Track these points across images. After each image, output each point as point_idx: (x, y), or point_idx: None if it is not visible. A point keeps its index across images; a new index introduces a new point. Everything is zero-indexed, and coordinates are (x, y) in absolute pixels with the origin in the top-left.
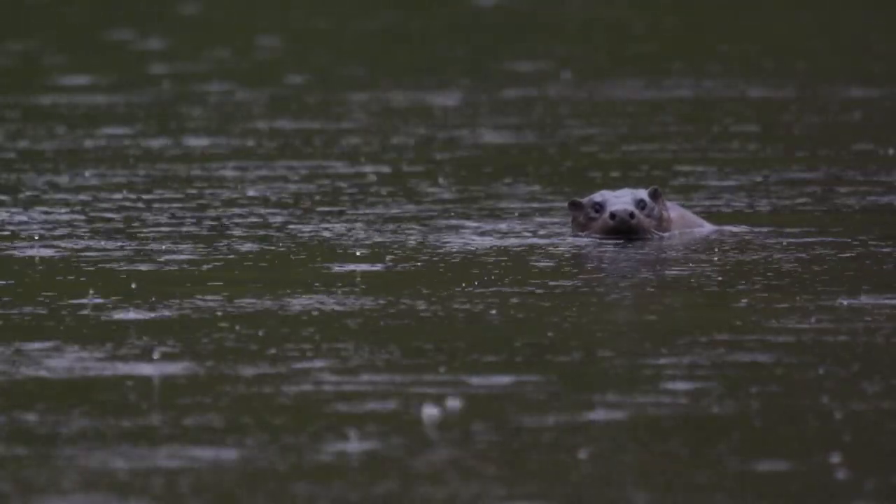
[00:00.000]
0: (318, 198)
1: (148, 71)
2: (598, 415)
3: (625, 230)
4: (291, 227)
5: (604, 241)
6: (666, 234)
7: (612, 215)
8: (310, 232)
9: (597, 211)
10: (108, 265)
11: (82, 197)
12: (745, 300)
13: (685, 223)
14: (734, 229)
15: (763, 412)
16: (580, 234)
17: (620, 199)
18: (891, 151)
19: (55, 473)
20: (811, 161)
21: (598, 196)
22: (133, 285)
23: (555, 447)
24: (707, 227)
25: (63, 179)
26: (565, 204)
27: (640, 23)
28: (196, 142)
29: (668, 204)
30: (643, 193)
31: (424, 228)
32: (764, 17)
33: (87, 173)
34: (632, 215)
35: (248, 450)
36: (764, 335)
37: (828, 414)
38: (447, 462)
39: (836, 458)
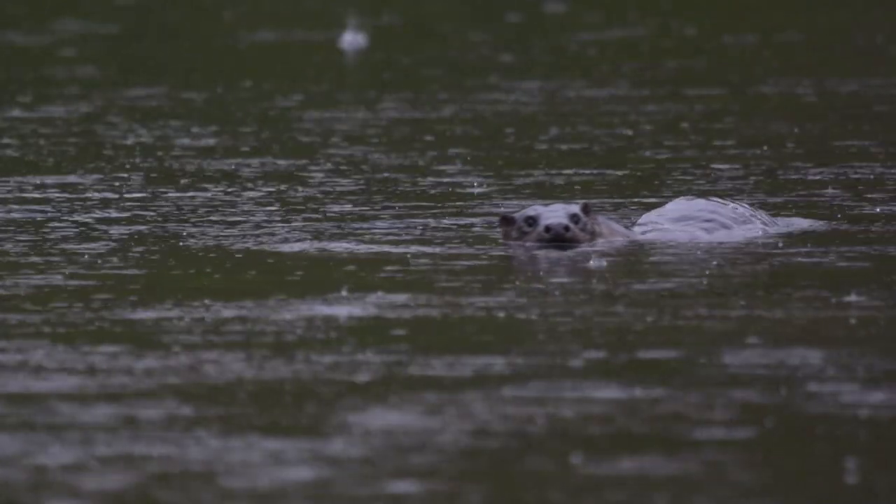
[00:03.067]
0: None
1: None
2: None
3: (559, 243)
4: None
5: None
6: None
7: (547, 228)
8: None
9: (530, 225)
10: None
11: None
12: (742, 302)
13: (615, 238)
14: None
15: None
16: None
17: (554, 214)
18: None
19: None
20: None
21: (531, 210)
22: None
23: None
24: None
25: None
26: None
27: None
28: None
29: (599, 219)
30: (576, 208)
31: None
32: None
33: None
34: (566, 228)
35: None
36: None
37: (840, 417)
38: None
39: (851, 462)
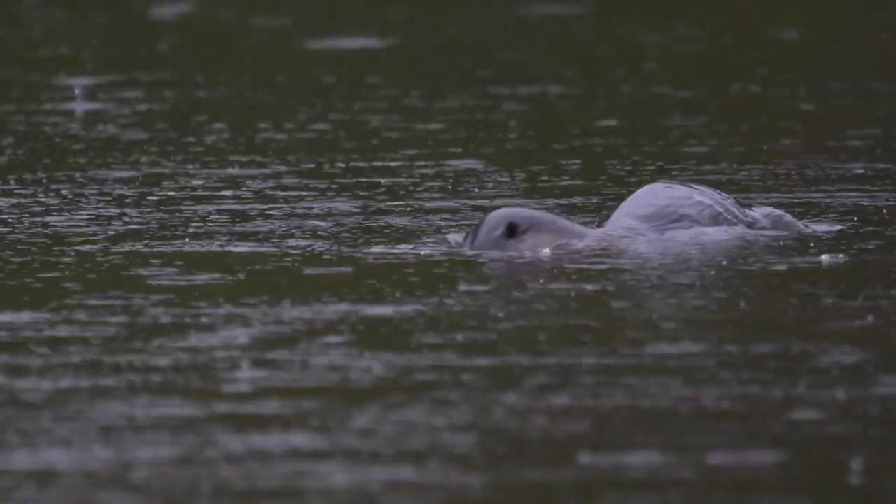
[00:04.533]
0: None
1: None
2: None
3: None
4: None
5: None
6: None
7: None
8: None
9: None
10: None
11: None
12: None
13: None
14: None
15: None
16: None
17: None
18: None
19: None
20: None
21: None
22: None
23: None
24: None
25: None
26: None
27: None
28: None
29: (531, 232)
30: (498, 233)
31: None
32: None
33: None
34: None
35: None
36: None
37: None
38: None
39: (854, 463)
